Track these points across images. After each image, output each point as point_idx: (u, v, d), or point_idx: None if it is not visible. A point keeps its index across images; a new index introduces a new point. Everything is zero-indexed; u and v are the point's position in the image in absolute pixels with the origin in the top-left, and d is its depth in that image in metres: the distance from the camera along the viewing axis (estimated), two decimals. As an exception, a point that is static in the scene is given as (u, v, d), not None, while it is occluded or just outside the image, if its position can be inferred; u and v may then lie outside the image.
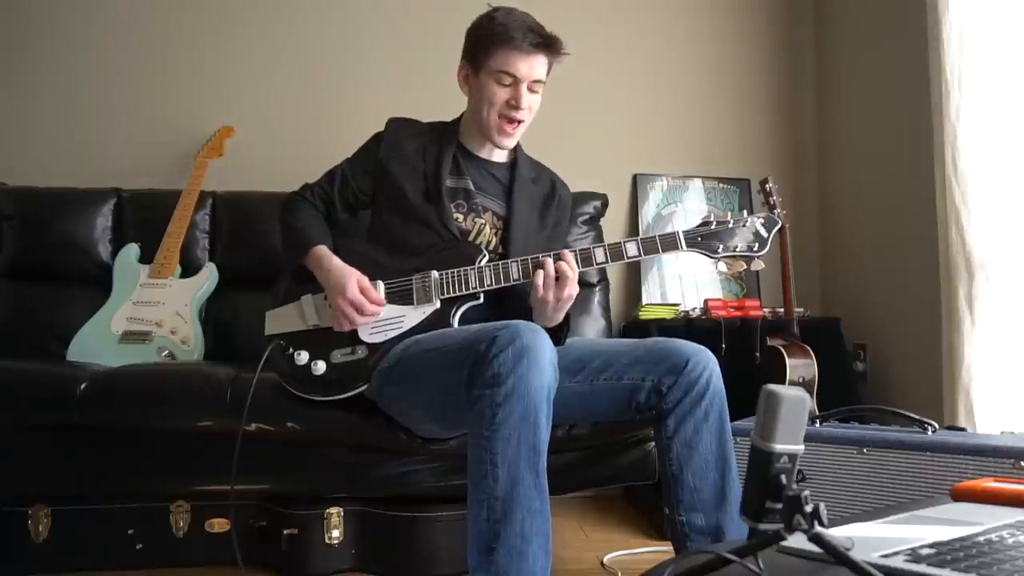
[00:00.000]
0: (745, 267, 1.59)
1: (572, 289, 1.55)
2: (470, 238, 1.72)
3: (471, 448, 1.31)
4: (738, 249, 1.58)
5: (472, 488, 1.30)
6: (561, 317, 1.60)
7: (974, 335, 1.98)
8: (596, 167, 2.76)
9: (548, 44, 1.64)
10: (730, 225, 1.58)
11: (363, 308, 1.59)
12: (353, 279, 1.60)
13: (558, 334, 1.63)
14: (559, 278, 1.53)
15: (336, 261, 1.65)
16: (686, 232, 1.58)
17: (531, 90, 1.67)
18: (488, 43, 1.64)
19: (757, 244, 1.58)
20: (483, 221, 1.75)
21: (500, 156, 1.81)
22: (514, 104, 1.66)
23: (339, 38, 2.76)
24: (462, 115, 1.82)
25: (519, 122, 1.69)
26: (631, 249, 1.58)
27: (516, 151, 1.83)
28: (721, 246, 1.57)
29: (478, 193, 1.76)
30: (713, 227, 1.58)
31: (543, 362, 1.30)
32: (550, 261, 1.54)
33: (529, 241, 1.75)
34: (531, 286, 1.56)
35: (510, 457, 1.26)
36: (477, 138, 1.77)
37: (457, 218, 1.73)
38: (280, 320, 1.72)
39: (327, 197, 1.79)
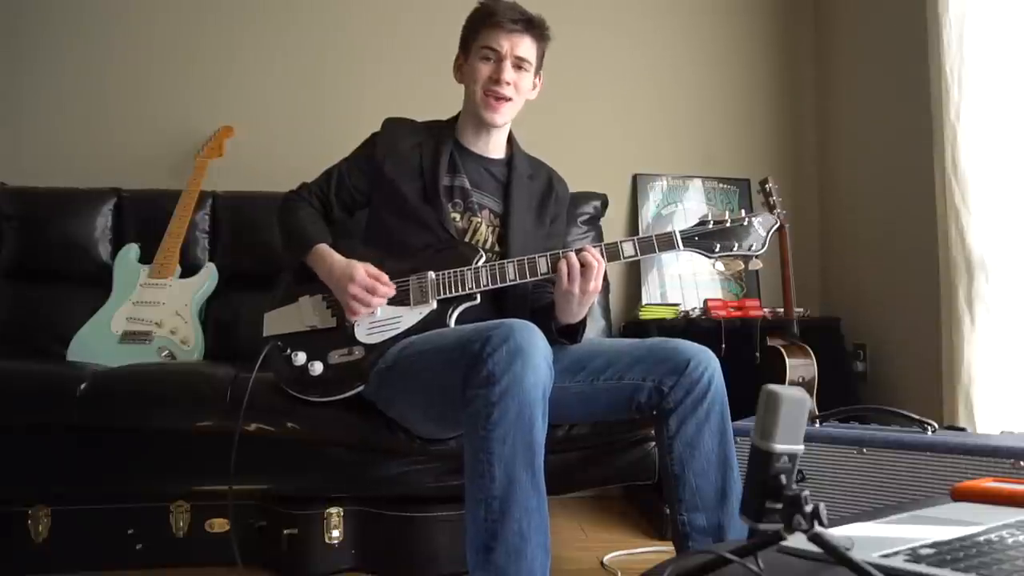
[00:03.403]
0: (743, 267, 1.58)
1: (597, 282, 1.51)
2: (466, 237, 1.72)
3: (467, 448, 1.31)
4: (735, 249, 1.56)
5: (469, 488, 1.29)
6: (585, 312, 1.59)
7: (974, 335, 1.98)
8: (596, 167, 2.76)
9: (529, 22, 1.69)
10: (727, 225, 1.57)
11: (375, 289, 1.59)
12: (359, 266, 1.61)
13: (576, 332, 1.63)
14: (584, 268, 1.51)
15: (338, 257, 1.66)
16: (683, 231, 1.57)
17: (516, 67, 1.69)
18: (474, 26, 1.71)
19: (755, 244, 1.57)
20: (479, 220, 1.75)
21: (497, 152, 1.81)
22: (495, 78, 1.68)
23: (339, 38, 2.76)
24: (458, 113, 1.82)
25: (505, 99, 1.70)
26: (628, 249, 1.57)
27: (513, 148, 1.83)
28: (718, 245, 1.56)
29: (475, 191, 1.76)
30: (710, 227, 1.57)
31: (537, 360, 1.29)
32: (572, 253, 1.52)
33: (528, 239, 1.75)
34: (530, 284, 1.55)
35: (506, 456, 1.25)
36: (473, 132, 1.78)
37: (454, 217, 1.72)
38: (278, 321, 1.72)
39: (324, 197, 1.80)
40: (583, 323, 1.63)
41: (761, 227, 1.58)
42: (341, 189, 1.79)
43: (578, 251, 1.52)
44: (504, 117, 1.73)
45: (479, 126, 1.76)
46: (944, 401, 2.07)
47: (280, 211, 1.79)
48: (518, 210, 1.77)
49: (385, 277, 1.62)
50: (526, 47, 1.69)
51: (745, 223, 1.58)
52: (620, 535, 2.17)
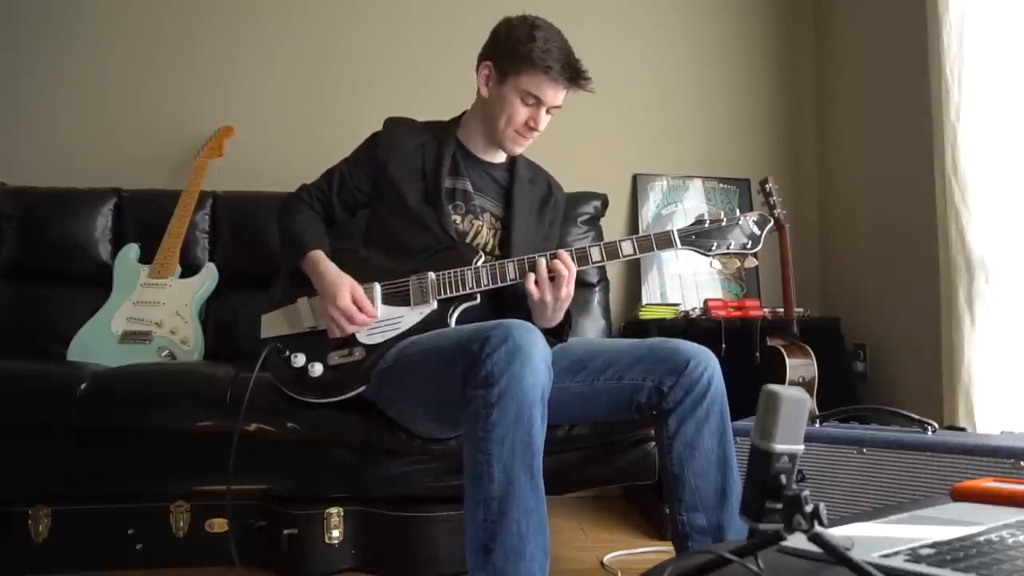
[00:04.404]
0: (739, 264, 1.61)
1: (569, 288, 1.55)
2: (467, 240, 1.72)
3: (466, 448, 1.31)
4: (732, 247, 1.61)
5: (468, 488, 1.29)
6: (561, 317, 1.61)
7: (974, 335, 1.98)
8: (596, 167, 2.76)
9: (579, 81, 1.66)
10: (724, 223, 1.61)
11: (352, 318, 1.59)
12: (346, 288, 1.60)
13: (561, 332, 1.63)
14: (554, 278, 1.54)
15: (331, 267, 1.64)
16: (681, 230, 1.61)
17: (548, 112, 1.69)
18: (523, 61, 1.63)
19: (750, 242, 1.61)
20: (481, 223, 1.75)
21: (499, 157, 1.81)
22: (533, 126, 1.68)
23: (339, 38, 2.76)
24: (462, 115, 1.82)
25: (531, 138, 1.72)
26: (627, 248, 1.59)
27: None
28: (715, 244, 1.60)
29: (476, 194, 1.76)
30: (707, 225, 1.61)
31: (536, 361, 1.29)
32: (543, 261, 1.55)
33: (529, 242, 1.75)
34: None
35: (505, 457, 1.25)
36: (480, 139, 1.77)
37: (455, 220, 1.73)
38: (276, 323, 1.72)
39: (325, 198, 1.79)
40: (568, 322, 1.65)
41: (756, 225, 1.63)
42: (343, 190, 1.79)
43: (551, 256, 1.55)
44: (524, 149, 1.76)
45: (491, 142, 1.76)
46: (944, 401, 2.07)
47: (280, 213, 1.79)
48: (520, 214, 1.77)
49: (368, 304, 1.61)
50: (563, 96, 1.68)
51: (740, 221, 1.62)
52: (620, 535, 2.17)
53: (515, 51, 1.64)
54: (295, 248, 1.70)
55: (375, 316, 1.61)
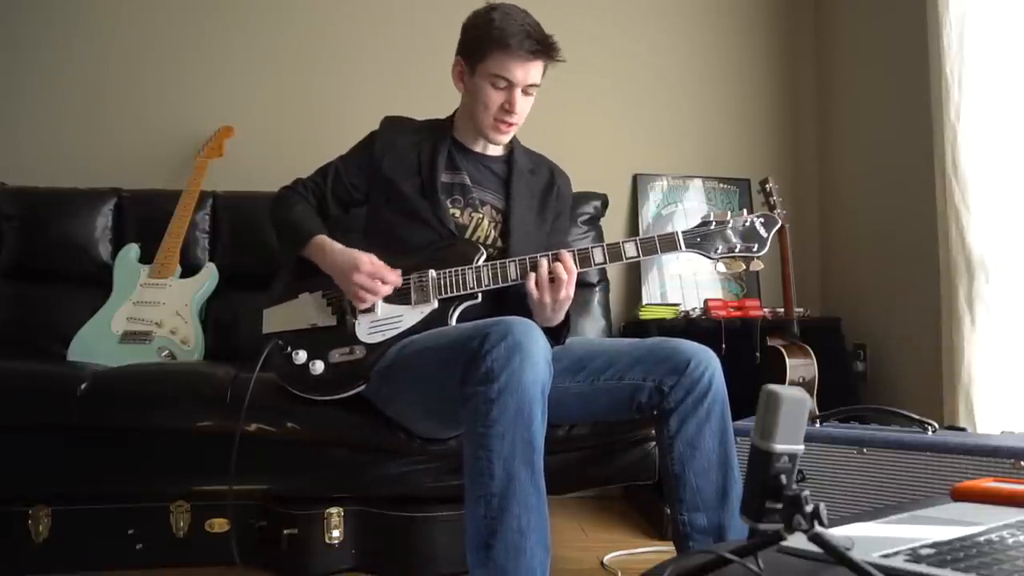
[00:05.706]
0: (744, 267, 1.58)
1: (569, 290, 1.54)
2: (468, 233, 1.72)
3: (466, 445, 1.31)
4: (737, 249, 1.57)
5: (468, 485, 1.29)
6: (561, 317, 1.60)
7: (974, 335, 1.98)
8: (596, 167, 2.76)
9: (545, 51, 1.62)
10: (729, 225, 1.57)
11: (384, 277, 1.58)
12: (364, 254, 1.60)
13: (559, 334, 1.63)
14: (554, 279, 1.53)
15: (339, 246, 1.64)
16: (685, 232, 1.58)
17: (525, 93, 1.66)
18: (485, 45, 1.62)
19: (756, 244, 1.58)
20: (481, 215, 1.74)
21: (496, 150, 1.81)
22: (508, 108, 1.65)
23: (338, 38, 2.76)
24: (456, 111, 1.81)
25: (514, 124, 1.69)
26: (630, 250, 1.58)
27: (513, 143, 1.82)
28: (720, 246, 1.57)
29: (475, 187, 1.76)
30: (712, 227, 1.58)
31: (536, 357, 1.29)
32: (544, 262, 1.54)
33: (530, 234, 1.75)
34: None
35: (505, 454, 1.25)
36: (472, 133, 1.77)
37: (454, 214, 1.72)
38: (278, 318, 1.72)
39: (319, 192, 1.78)
40: (567, 324, 1.64)
41: (763, 228, 1.58)
42: (337, 186, 1.78)
43: (553, 258, 1.54)
44: (509, 137, 1.74)
45: (479, 135, 1.76)
46: (944, 401, 2.07)
47: (274, 205, 1.77)
48: (519, 205, 1.76)
49: (388, 268, 1.61)
50: (536, 72, 1.63)
51: (747, 223, 1.58)
52: (620, 535, 2.17)
53: (477, 38, 1.63)
54: (297, 236, 1.69)
55: (400, 277, 1.61)
